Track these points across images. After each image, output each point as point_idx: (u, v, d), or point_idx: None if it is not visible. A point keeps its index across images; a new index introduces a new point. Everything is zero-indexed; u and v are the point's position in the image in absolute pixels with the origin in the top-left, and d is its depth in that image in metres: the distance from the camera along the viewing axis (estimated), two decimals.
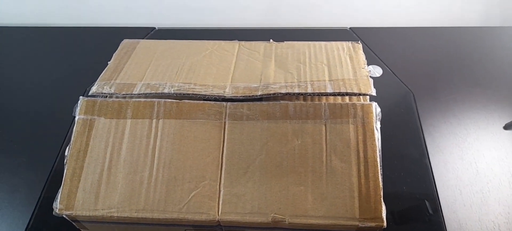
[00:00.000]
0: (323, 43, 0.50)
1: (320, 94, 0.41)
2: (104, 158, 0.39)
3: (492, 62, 0.67)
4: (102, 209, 0.38)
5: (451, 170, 0.53)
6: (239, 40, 0.52)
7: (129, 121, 0.41)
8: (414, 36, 0.73)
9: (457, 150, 0.55)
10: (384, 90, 0.62)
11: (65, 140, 0.59)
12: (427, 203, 0.50)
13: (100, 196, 0.38)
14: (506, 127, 0.57)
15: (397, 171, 0.53)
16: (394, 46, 0.71)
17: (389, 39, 0.72)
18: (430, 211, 0.49)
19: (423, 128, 0.58)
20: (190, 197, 0.37)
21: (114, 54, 0.50)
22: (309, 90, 0.41)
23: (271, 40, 0.52)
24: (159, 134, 0.40)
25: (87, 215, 0.38)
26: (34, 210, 0.52)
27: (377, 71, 0.66)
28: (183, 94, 0.42)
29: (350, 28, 0.74)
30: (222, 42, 0.51)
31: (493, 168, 0.53)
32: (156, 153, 0.39)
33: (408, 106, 0.61)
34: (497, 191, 0.51)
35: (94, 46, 0.77)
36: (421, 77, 0.65)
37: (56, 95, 0.67)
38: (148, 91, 0.43)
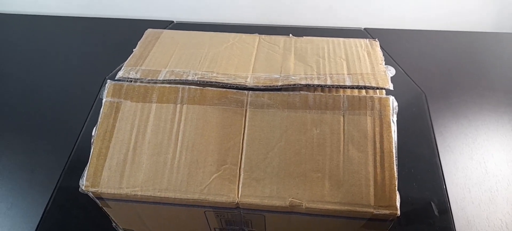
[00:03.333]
0: (341, 39, 0.51)
1: (339, 87, 0.42)
2: (130, 139, 0.41)
3: (503, 67, 0.68)
4: (127, 188, 0.39)
5: (461, 169, 0.54)
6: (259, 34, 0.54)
7: (154, 105, 0.43)
8: (427, 39, 0.74)
9: (467, 150, 0.56)
10: (397, 90, 0.63)
11: (85, 124, 0.61)
12: (436, 200, 0.51)
13: (125, 175, 0.40)
14: None
15: (407, 168, 0.54)
16: (408, 48, 0.73)
17: (402, 41, 0.74)
18: (439, 208, 0.50)
19: (434, 127, 0.59)
20: (211, 180, 0.39)
21: (139, 42, 0.52)
22: (328, 82, 0.42)
23: (290, 35, 0.53)
24: (183, 118, 0.42)
25: (112, 192, 0.39)
26: (53, 192, 0.54)
27: (390, 71, 0.67)
28: (206, 82, 0.43)
29: (364, 28, 0.75)
30: (243, 35, 0.53)
31: (502, 168, 0.54)
32: (180, 136, 0.41)
33: (420, 107, 0.62)
34: (505, 191, 0.52)
35: (113, 37, 0.79)
36: (434, 79, 0.67)
37: (78, 81, 0.69)
38: (172, 78, 0.44)
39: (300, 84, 0.42)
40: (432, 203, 0.51)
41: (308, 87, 0.42)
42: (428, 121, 0.60)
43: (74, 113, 0.63)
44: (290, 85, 0.42)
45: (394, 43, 0.73)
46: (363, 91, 0.44)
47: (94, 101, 0.64)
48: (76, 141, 0.59)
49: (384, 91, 0.44)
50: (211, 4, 0.81)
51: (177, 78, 0.44)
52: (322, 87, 0.43)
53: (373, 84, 0.42)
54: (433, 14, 0.81)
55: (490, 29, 0.79)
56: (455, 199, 0.51)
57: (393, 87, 0.57)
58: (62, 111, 0.64)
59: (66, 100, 0.66)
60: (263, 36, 0.53)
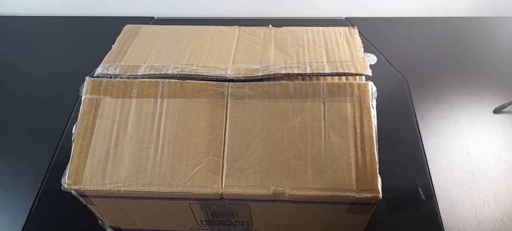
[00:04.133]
0: (320, 28, 0.52)
1: (319, 75, 0.42)
2: (111, 135, 0.41)
3: (482, 51, 0.70)
4: (110, 184, 0.39)
5: (443, 152, 0.55)
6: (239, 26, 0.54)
7: (134, 100, 0.42)
8: (407, 26, 0.75)
9: (449, 133, 0.57)
10: (379, 78, 0.63)
11: (67, 123, 0.60)
12: (420, 183, 0.52)
13: (107, 171, 0.39)
14: (496, 111, 0.59)
15: (391, 154, 0.55)
16: (388, 36, 0.73)
17: (383, 29, 0.74)
18: (423, 191, 0.51)
19: (416, 113, 0.60)
20: (194, 172, 0.39)
21: (117, 38, 0.51)
22: (308, 71, 0.43)
23: (270, 25, 0.53)
24: (163, 112, 0.42)
25: (95, 189, 0.39)
26: (37, 193, 0.53)
27: (371, 59, 0.67)
28: (186, 75, 0.43)
29: (345, 17, 0.76)
30: (223, 28, 0.53)
31: (483, 150, 0.55)
32: (161, 130, 0.41)
33: (402, 93, 0.63)
34: (486, 171, 0.53)
35: (94, 35, 0.78)
36: (415, 65, 0.67)
37: (59, 81, 0.69)
38: (152, 72, 0.44)
39: (280, 73, 0.42)
40: (419, 188, 0.51)
41: (288, 76, 0.43)
42: (410, 107, 0.61)
43: (58, 113, 0.62)
44: (271, 75, 0.42)
45: (375, 31, 0.73)
46: (343, 78, 0.45)
47: (76, 101, 0.63)
48: (60, 141, 0.58)
49: (363, 77, 0.45)
50: None
51: (156, 73, 0.44)
52: (302, 76, 0.43)
53: (352, 71, 0.42)
54: (412, 2, 0.81)
55: (468, 14, 0.81)
56: (439, 182, 0.52)
57: (375, 75, 0.57)
58: (46, 112, 0.64)
59: (48, 100, 0.65)
60: (243, 28, 0.53)
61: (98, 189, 0.39)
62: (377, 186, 0.37)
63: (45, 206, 0.52)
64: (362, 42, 0.52)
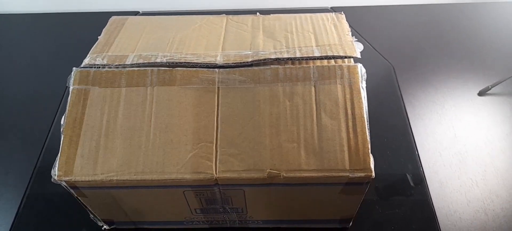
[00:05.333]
0: (308, 15, 0.52)
1: (308, 59, 0.43)
2: (101, 125, 0.40)
3: (465, 36, 0.71)
4: (101, 174, 0.38)
5: (431, 135, 0.56)
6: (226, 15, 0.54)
7: (123, 89, 0.42)
8: (391, 14, 0.76)
9: (436, 116, 0.58)
10: (366, 65, 0.64)
11: (55, 118, 0.59)
12: (410, 166, 0.53)
13: (98, 162, 0.39)
14: (481, 93, 0.60)
15: (381, 137, 0.56)
16: (374, 24, 0.74)
17: (368, 17, 0.75)
18: (413, 173, 0.52)
19: (403, 97, 0.61)
20: (187, 158, 0.39)
21: (103, 30, 0.50)
22: (298, 55, 0.43)
23: (257, 13, 0.53)
24: (154, 100, 0.41)
25: (87, 179, 0.38)
26: (25, 190, 0.52)
27: (358, 47, 0.68)
28: (176, 63, 0.43)
29: (331, 7, 0.76)
30: (210, 17, 0.53)
31: (470, 131, 0.56)
32: (152, 118, 0.40)
33: (389, 78, 0.64)
34: (474, 151, 0.54)
35: (79, 31, 0.77)
36: (400, 52, 0.68)
37: (46, 78, 0.67)
38: (140, 61, 0.43)
39: (270, 58, 0.42)
40: (407, 169, 0.52)
41: (278, 61, 0.43)
42: (398, 92, 0.62)
43: (44, 109, 0.61)
44: (260, 60, 0.42)
45: (360, 20, 0.74)
46: (332, 61, 0.45)
47: (63, 95, 0.62)
48: (47, 136, 0.57)
49: (352, 60, 0.45)
50: None
51: (145, 62, 0.43)
52: (292, 60, 0.43)
53: (341, 54, 0.43)
54: None
55: (449, 1, 0.82)
56: (428, 164, 0.53)
57: (362, 62, 0.57)
58: (33, 109, 0.62)
59: (35, 97, 0.64)
60: (230, 16, 0.53)
61: (90, 179, 0.38)
62: (369, 165, 0.38)
63: (32, 207, 0.51)
64: None
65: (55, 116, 0.60)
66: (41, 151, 0.56)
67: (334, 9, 0.75)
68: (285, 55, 0.42)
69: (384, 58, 0.67)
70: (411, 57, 0.67)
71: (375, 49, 0.68)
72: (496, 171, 0.52)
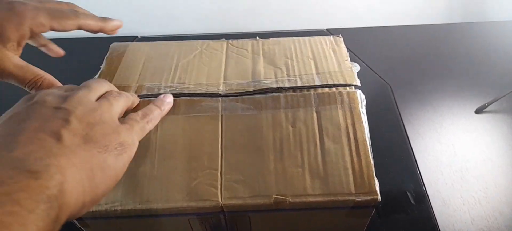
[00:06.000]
0: (307, 38, 0.53)
1: (309, 87, 0.43)
2: None
3: (460, 55, 0.72)
4: (106, 204, 0.38)
5: (432, 153, 0.57)
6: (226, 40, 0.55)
7: None
8: (387, 34, 0.78)
9: (435, 135, 0.59)
10: (364, 85, 0.65)
11: None
12: (412, 184, 0.53)
13: None
14: (478, 111, 0.61)
15: (382, 158, 0.56)
16: (369, 44, 0.75)
17: (364, 38, 0.76)
18: (416, 191, 0.52)
19: (402, 116, 0.61)
20: (192, 186, 0.39)
21: (105, 58, 0.51)
22: (299, 83, 0.44)
23: (257, 37, 0.54)
24: (158, 129, 0.41)
25: (91, 210, 0.38)
26: None
27: (355, 68, 0.69)
28: (179, 93, 0.44)
29: (326, 29, 0.78)
30: (210, 42, 0.53)
31: (469, 149, 0.57)
32: (157, 146, 0.41)
33: (387, 98, 0.64)
34: (474, 169, 0.54)
35: (79, 57, 0.77)
36: (397, 71, 0.69)
37: None
38: (144, 92, 0.44)
39: (272, 87, 0.43)
40: (410, 189, 0.52)
41: (279, 90, 0.43)
42: (396, 111, 0.62)
43: None
44: (262, 89, 0.43)
45: (356, 41, 0.75)
46: (334, 88, 0.46)
47: None
48: None
49: (352, 87, 0.46)
50: (174, 16, 0.81)
51: (148, 93, 0.44)
52: (293, 89, 0.44)
53: (341, 82, 0.44)
54: (389, 12, 0.84)
55: (442, 21, 0.84)
56: (430, 182, 0.53)
57: (360, 82, 0.58)
58: None
59: None
60: (230, 41, 0.54)
61: (94, 209, 0.38)
62: (375, 188, 0.38)
63: None
64: None
65: None
66: None
67: (329, 31, 0.77)
68: (287, 84, 0.43)
69: (381, 78, 0.67)
70: (408, 77, 0.68)
71: (372, 70, 0.69)
72: (497, 188, 0.52)
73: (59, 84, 0.43)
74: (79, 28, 0.44)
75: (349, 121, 0.42)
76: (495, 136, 0.58)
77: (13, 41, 0.40)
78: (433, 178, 0.54)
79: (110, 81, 0.46)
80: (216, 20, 0.83)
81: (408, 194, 0.52)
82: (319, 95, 0.43)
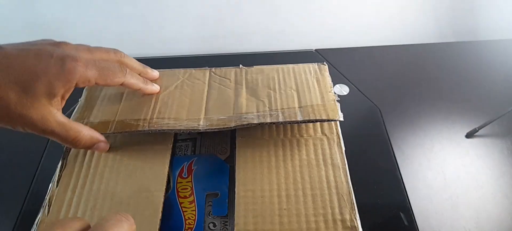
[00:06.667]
0: (290, 66, 0.52)
1: (291, 123, 0.43)
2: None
3: (450, 76, 0.71)
4: None
5: (421, 179, 0.55)
6: (209, 67, 0.54)
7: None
8: (376, 55, 0.77)
9: (424, 160, 0.58)
10: (352, 107, 0.64)
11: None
12: (401, 213, 0.52)
13: None
14: (468, 135, 0.60)
15: (370, 184, 0.55)
16: (359, 66, 0.74)
17: (353, 59, 0.75)
18: (405, 221, 0.51)
19: (391, 141, 0.60)
20: None
21: (84, 89, 0.50)
22: (280, 119, 0.43)
23: (240, 65, 0.53)
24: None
25: None
26: None
27: (344, 90, 0.68)
28: (158, 130, 0.43)
29: (315, 50, 0.77)
30: (193, 71, 0.52)
31: (460, 175, 0.56)
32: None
33: (376, 121, 0.63)
34: (464, 196, 0.53)
35: None
36: (386, 93, 0.68)
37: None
38: (122, 130, 0.43)
39: (253, 123, 0.42)
40: (398, 217, 0.51)
41: (262, 126, 0.43)
42: (385, 135, 0.61)
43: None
44: (244, 125, 0.42)
45: (345, 61, 0.74)
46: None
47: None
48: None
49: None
50: (156, 37, 0.80)
51: (127, 130, 0.43)
52: (276, 124, 0.43)
53: (324, 117, 0.43)
54: (379, 32, 0.83)
55: (432, 40, 0.83)
56: (420, 211, 0.52)
57: (349, 104, 0.57)
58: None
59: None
60: (213, 69, 0.53)
61: None
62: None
63: None
64: (333, 73, 0.52)
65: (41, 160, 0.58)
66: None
67: (318, 52, 0.76)
68: (268, 120, 0.42)
69: (370, 100, 0.66)
70: (397, 99, 0.67)
71: (361, 92, 0.68)
72: (488, 217, 0.51)
73: (101, 137, 0.42)
74: (121, 85, 0.44)
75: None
76: (486, 161, 0.57)
77: (59, 96, 0.39)
78: (423, 206, 0.52)
79: (88, 118, 0.45)
80: (203, 41, 0.82)
81: (397, 224, 0.50)
82: (299, 128, 0.42)
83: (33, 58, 0.38)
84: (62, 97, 0.40)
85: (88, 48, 0.42)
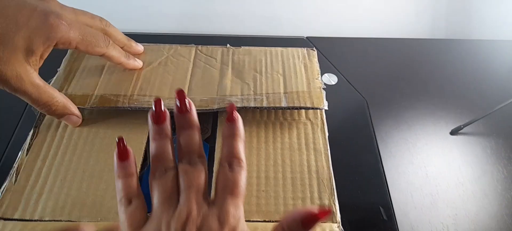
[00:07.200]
0: (279, 49, 0.51)
1: (276, 108, 0.42)
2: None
3: (439, 72, 0.71)
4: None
5: (403, 174, 0.55)
6: (196, 45, 0.52)
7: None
8: (367, 47, 0.76)
9: (407, 155, 0.57)
10: (339, 98, 0.64)
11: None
12: (381, 207, 0.51)
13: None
14: (453, 132, 0.60)
15: (352, 176, 0.54)
16: (349, 56, 0.73)
17: (343, 49, 0.75)
18: (384, 215, 0.50)
19: (376, 133, 0.60)
20: None
21: (63, 60, 0.48)
22: (265, 104, 0.42)
23: (228, 45, 0.52)
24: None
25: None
26: None
27: (332, 79, 0.67)
28: (138, 108, 0.41)
29: (306, 37, 0.75)
30: (179, 47, 0.51)
31: (441, 171, 0.56)
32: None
33: (362, 113, 0.63)
34: (445, 193, 0.53)
35: None
36: (374, 86, 0.68)
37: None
38: (102, 105, 0.42)
39: (237, 106, 0.41)
40: (378, 211, 0.51)
41: (245, 109, 0.42)
42: (370, 128, 0.61)
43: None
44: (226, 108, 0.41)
45: (335, 51, 0.73)
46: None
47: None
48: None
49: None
50: (144, 12, 0.78)
51: (106, 106, 0.41)
52: (260, 109, 0.42)
53: (308, 105, 0.42)
54: (371, 23, 0.82)
55: (425, 35, 0.82)
56: (399, 205, 0.52)
57: (336, 95, 0.56)
58: None
59: None
60: (199, 47, 0.51)
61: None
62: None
63: None
64: (322, 61, 0.52)
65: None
66: None
67: (309, 39, 0.74)
68: (252, 104, 0.42)
69: (358, 92, 0.66)
70: (385, 92, 0.66)
71: (349, 82, 0.67)
72: (466, 215, 0.51)
73: (75, 109, 0.41)
74: (102, 56, 0.42)
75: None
76: (469, 159, 0.57)
77: (37, 55, 0.37)
78: (403, 201, 0.52)
79: (67, 89, 0.43)
80: (191, 20, 0.80)
81: (376, 218, 0.50)
82: (283, 113, 0.41)
83: (15, 8, 0.35)
84: (41, 57, 0.38)
85: (74, 10, 0.40)
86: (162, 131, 0.31)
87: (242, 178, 0.30)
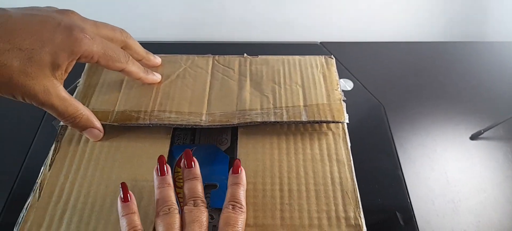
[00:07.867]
0: (297, 58, 0.51)
1: (296, 123, 0.42)
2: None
3: (456, 75, 0.70)
4: None
5: (423, 181, 0.55)
6: (212, 55, 0.52)
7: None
8: (382, 51, 0.75)
9: (427, 161, 0.57)
10: (356, 103, 0.63)
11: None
12: (401, 214, 0.51)
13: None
14: (473, 137, 0.59)
15: (371, 183, 0.54)
16: (364, 60, 0.73)
17: (358, 54, 0.74)
18: (404, 222, 0.50)
19: (394, 139, 0.59)
20: None
21: (82, 74, 0.48)
22: (285, 118, 0.42)
23: (245, 54, 0.52)
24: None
25: None
26: None
27: (348, 84, 0.67)
28: (159, 125, 0.42)
29: (320, 42, 0.75)
30: (196, 58, 0.51)
31: (462, 177, 0.55)
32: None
33: (380, 119, 0.62)
34: (467, 200, 0.52)
35: None
36: (391, 91, 0.67)
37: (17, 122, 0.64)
38: (122, 122, 0.42)
39: (257, 121, 0.41)
40: (399, 218, 0.50)
41: (264, 124, 0.42)
42: (389, 134, 0.60)
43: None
44: (247, 123, 0.41)
45: (350, 56, 0.73)
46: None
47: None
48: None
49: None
50: (160, 21, 0.79)
51: (127, 122, 0.42)
52: (280, 124, 0.42)
53: (329, 119, 0.42)
54: (386, 27, 0.82)
55: (440, 38, 0.81)
56: (420, 213, 0.51)
57: (352, 100, 0.56)
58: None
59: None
60: (216, 57, 0.51)
61: None
62: None
63: None
64: (338, 67, 0.51)
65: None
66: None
67: (323, 45, 0.74)
68: (272, 119, 0.42)
69: (375, 97, 0.65)
70: (402, 97, 0.66)
71: (365, 88, 0.67)
72: (489, 222, 0.50)
73: (97, 122, 0.42)
74: (121, 71, 0.43)
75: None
76: (490, 164, 0.56)
77: (62, 69, 0.38)
78: (424, 208, 0.52)
79: (87, 105, 0.43)
80: (207, 29, 0.80)
81: (396, 224, 0.50)
82: (305, 126, 0.41)
83: (39, 24, 0.36)
84: (65, 71, 0.39)
85: (95, 23, 0.41)
86: (164, 181, 0.37)
87: (242, 219, 0.36)
